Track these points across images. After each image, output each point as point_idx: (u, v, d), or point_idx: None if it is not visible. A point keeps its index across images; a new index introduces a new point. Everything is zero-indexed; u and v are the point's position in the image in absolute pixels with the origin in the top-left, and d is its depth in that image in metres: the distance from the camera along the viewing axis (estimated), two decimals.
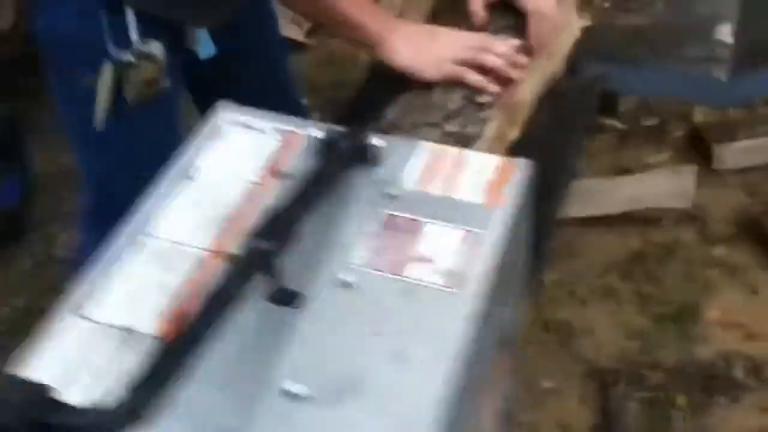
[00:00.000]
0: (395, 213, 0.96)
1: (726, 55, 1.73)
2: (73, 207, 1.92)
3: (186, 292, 0.88)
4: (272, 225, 0.86)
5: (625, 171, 2.58)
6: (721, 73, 1.70)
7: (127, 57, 1.32)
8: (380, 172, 1.01)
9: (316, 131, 1.04)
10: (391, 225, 0.95)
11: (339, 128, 1.03)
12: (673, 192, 2.41)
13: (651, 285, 2.31)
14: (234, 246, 0.89)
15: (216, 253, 0.92)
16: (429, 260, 0.91)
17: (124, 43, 1.32)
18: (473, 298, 0.87)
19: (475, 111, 1.33)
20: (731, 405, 2.07)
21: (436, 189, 0.99)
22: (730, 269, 2.36)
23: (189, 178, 1.01)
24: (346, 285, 0.89)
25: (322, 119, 2.61)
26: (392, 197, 0.98)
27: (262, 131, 1.06)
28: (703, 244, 2.42)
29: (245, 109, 1.09)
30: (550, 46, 1.47)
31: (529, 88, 1.46)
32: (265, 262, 0.84)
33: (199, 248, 0.93)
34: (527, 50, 1.41)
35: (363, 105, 1.54)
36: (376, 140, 1.02)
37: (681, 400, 2.07)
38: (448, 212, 0.96)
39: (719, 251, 2.41)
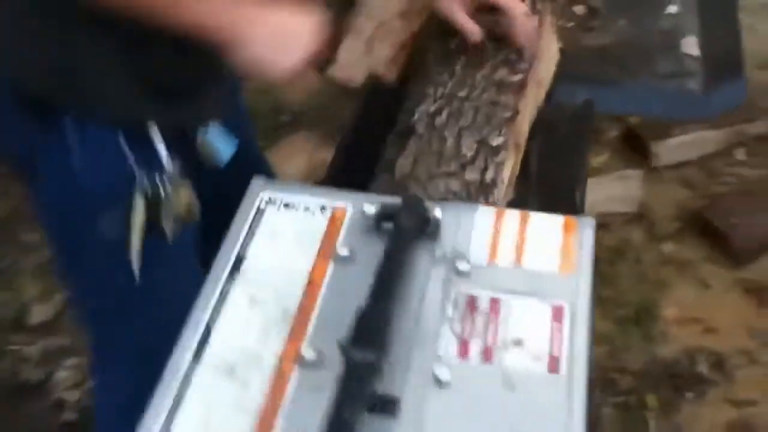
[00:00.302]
0: (473, 293, 0.93)
1: (696, 68, 1.75)
2: None
3: (268, 408, 0.82)
4: (367, 331, 0.82)
5: None
6: (694, 87, 1.72)
7: (161, 184, 1.11)
8: (445, 245, 0.97)
9: (362, 204, 1.00)
10: (471, 307, 0.92)
11: (389, 200, 0.99)
12: (621, 197, 2.45)
13: (607, 288, 2.34)
14: (307, 349, 0.84)
15: (289, 359, 0.87)
16: (521, 343, 0.88)
17: (152, 170, 1.13)
18: (577, 381, 0.85)
19: (491, 155, 1.30)
20: (699, 401, 2.12)
21: (506, 260, 0.96)
22: (680, 265, 2.41)
23: (240, 271, 0.95)
24: (441, 383, 0.85)
25: (266, 148, 2.60)
26: (465, 274, 0.94)
27: (306, 209, 1.01)
28: (652, 242, 2.47)
29: (281, 184, 1.04)
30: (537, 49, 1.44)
31: (527, 118, 1.44)
32: (367, 373, 0.79)
33: (270, 355, 0.87)
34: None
35: (358, 147, 1.49)
36: (435, 210, 0.98)
37: (651, 400, 2.12)
38: (526, 285, 0.93)
39: (668, 248, 2.46)
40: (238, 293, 0.92)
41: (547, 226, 1.00)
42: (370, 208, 0.98)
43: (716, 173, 2.66)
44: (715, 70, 1.70)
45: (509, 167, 1.32)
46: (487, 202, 1.23)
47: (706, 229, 2.48)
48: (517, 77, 1.44)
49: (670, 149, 2.65)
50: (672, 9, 1.87)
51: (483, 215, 1.01)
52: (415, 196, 0.99)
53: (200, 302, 0.91)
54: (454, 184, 1.24)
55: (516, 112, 1.37)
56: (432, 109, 1.38)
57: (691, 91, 1.66)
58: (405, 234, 0.95)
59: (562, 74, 1.66)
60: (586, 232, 0.99)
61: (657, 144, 2.63)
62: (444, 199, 1.22)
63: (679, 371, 2.15)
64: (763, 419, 2.04)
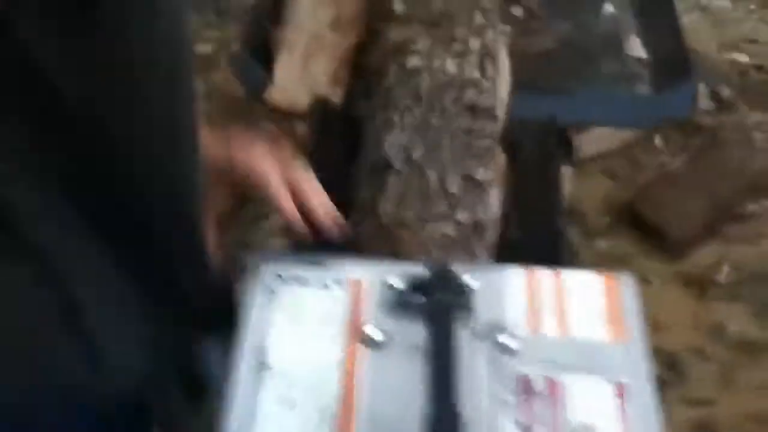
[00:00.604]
0: (525, 372, 0.82)
1: (644, 72, 1.69)
2: None
3: None
4: None
5: None
6: (644, 90, 1.66)
7: None
8: (481, 317, 0.86)
9: (383, 275, 0.88)
10: (527, 389, 0.81)
11: (411, 268, 0.87)
12: None
13: None
14: None
15: None
16: (592, 429, 0.78)
17: None
18: None
19: (479, 191, 1.21)
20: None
21: (551, 329, 0.87)
22: (617, 262, 2.38)
23: (265, 367, 0.82)
24: None
25: None
26: (511, 351, 0.84)
27: (323, 286, 0.88)
28: (586, 239, 2.42)
29: (287, 258, 0.91)
30: None
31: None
32: None
33: None
34: None
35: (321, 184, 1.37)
36: (467, 278, 0.87)
37: None
38: (580, 359, 0.84)
39: (602, 244, 2.42)
40: (268, 397, 0.79)
41: (584, 285, 0.91)
42: (396, 281, 0.86)
43: (638, 162, 2.64)
44: (663, 72, 1.65)
45: (497, 198, 1.23)
46: (483, 243, 1.14)
47: (638, 222, 2.45)
48: (487, 98, 1.35)
49: (591, 140, 2.61)
50: (609, 8, 1.80)
51: (513, 277, 0.91)
52: (445, 265, 0.87)
53: (229, 413, 0.78)
54: (448, 228, 1.15)
55: (494, 140, 1.28)
56: (405, 141, 1.27)
57: (645, 98, 1.60)
58: (442, 310, 0.84)
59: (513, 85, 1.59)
60: (627, 290, 0.90)
61: (578, 136, 2.59)
62: (440, 244, 1.12)
63: None
64: (722, 417, 2.02)
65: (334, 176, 1.30)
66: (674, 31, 1.72)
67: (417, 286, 0.86)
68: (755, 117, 2.84)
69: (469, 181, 1.21)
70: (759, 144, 2.70)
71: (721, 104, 2.85)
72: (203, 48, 2.99)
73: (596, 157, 2.61)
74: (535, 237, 1.29)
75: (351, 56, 1.66)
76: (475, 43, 1.43)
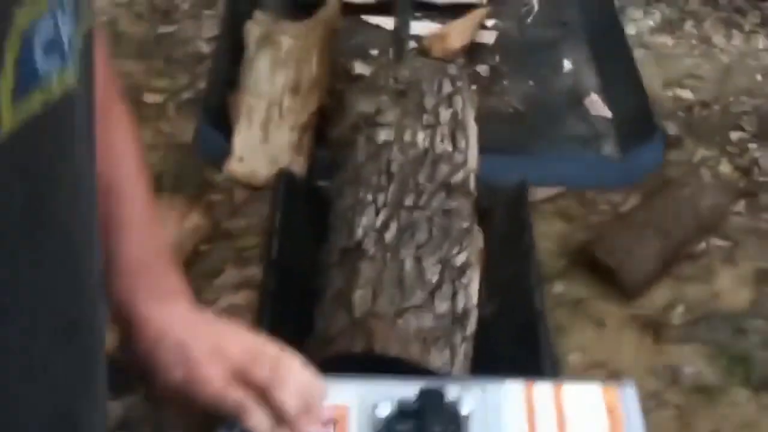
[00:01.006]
0: None
1: (609, 130, 1.71)
2: None
3: None
4: None
5: None
6: (610, 150, 1.68)
7: None
8: None
9: (366, 399, 0.87)
10: None
11: (397, 387, 0.86)
12: None
13: None
14: None
15: None
16: None
17: None
18: None
19: (457, 277, 1.20)
20: None
21: None
22: (573, 306, 2.40)
23: None
24: None
25: None
26: None
27: None
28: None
29: None
30: None
31: None
32: None
33: None
34: None
35: (287, 271, 1.36)
36: (460, 398, 0.86)
37: None
38: None
39: (558, 288, 2.44)
40: None
41: (585, 397, 0.90)
42: (384, 407, 0.85)
43: (592, 202, 2.66)
44: (629, 132, 1.67)
45: (476, 283, 1.23)
46: (463, 335, 1.14)
47: (593, 265, 2.48)
48: (461, 173, 1.35)
49: None
50: (570, 65, 1.82)
51: (510, 391, 0.90)
52: (438, 386, 0.86)
53: None
54: (427, 320, 1.13)
55: (472, 220, 1.28)
56: (378, 223, 1.26)
57: (614, 159, 1.61)
58: None
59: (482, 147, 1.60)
60: (629, 400, 0.90)
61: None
62: (418, 337, 1.11)
63: None
64: None
65: (299, 259, 1.29)
66: (637, 88, 1.74)
67: (406, 412, 0.84)
68: (701, 153, 2.90)
69: (447, 266, 1.20)
70: (707, 181, 2.76)
71: (668, 142, 2.90)
72: (153, 98, 2.95)
73: (550, 198, 2.63)
74: (513, 316, 1.29)
75: (314, 124, 1.65)
76: (445, 114, 1.43)
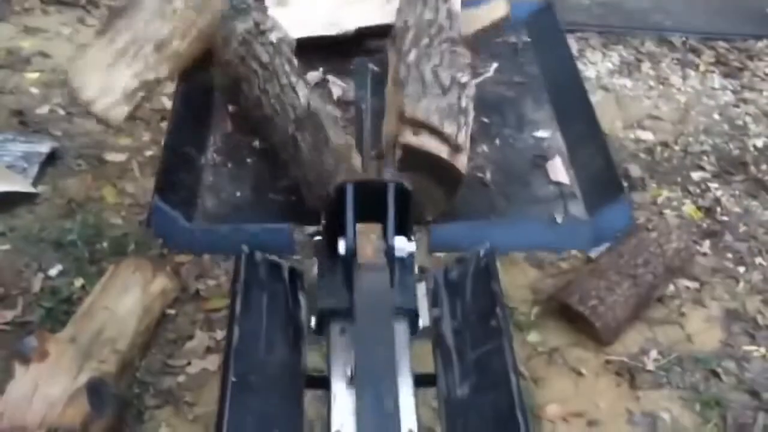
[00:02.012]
0: None
1: (575, 191, 1.71)
2: None
3: None
4: None
5: None
6: (578, 211, 1.68)
7: None
8: None
9: None
10: None
11: None
12: None
13: None
14: None
15: None
16: None
17: None
18: None
19: (461, 89, 1.49)
20: None
21: None
22: (549, 355, 2.40)
23: None
24: None
25: (86, 285, 2.35)
26: None
27: None
28: (517, 333, 2.43)
29: None
30: None
31: None
32: None
33: None
34: None
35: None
36: None
37: None
38: None
39: (533, 338, 2.43)
40: None
41: None
42: None
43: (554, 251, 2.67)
44: (595, 191, 1.67)
45: (472, 116, 1.48)
46: (465, 120, 1.44)
47: (566, 313, 2.48)
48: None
49: None
50: (534, 126, 1.83)
51: None
52: None
53: None
54: (442, 103, 1.43)
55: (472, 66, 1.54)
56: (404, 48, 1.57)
57: (584, 221, 1.61)
58: None
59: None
60: None
61: None
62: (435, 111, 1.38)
63: None
64: None
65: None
66: (601, 148, 1.74)
67: None
68: (665, 194, 2.93)
69: (455, 81, 1.50)
70: (672, 223, 2.78)
71: (631, 184, 2.93)
72: (115, 156, 2.92)
73: None
74: (489, 399, 1.27)
75: (153, 87, 1.68)
76: None
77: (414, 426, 1.21)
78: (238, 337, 1.27)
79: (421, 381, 1.31)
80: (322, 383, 1.30)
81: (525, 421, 1.19)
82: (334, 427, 1.20)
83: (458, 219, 1.62)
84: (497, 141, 1.78)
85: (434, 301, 1.45)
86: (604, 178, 1.71)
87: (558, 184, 1.71)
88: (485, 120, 1.83)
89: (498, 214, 1.65)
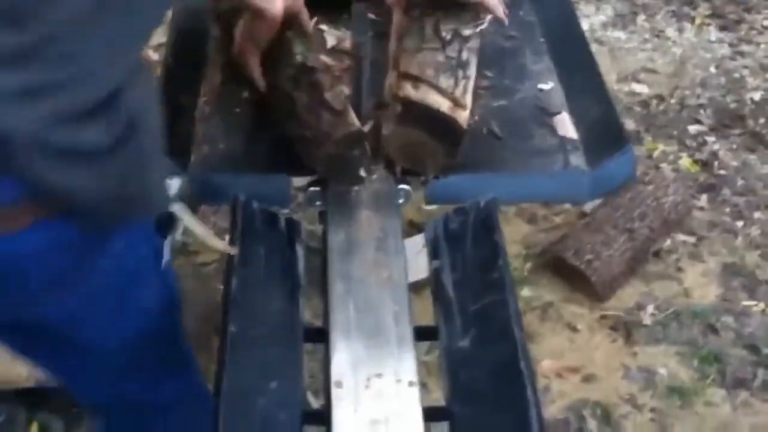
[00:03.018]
0: None
1: (578, 144, 1.67)
2: None
3: None
4: None
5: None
6: (579, 163, 1.64)
7: None
8: None
9: None
10: None
11: None
12: None
13: None
14: None
15: None
16: None
17: None
18: None
19: (463, 42, 1.39)
20: None
21: None
22: (543, 310, 2.37)
23: None
24: None
25: None
26: None
27: None
28: None
29: None
30: None
31: None
32: None
33: None
34: None
35: None
36: None
37: None
38: None
39: (527, 293, 2.41)
40: None
41: None
42: None
43: (553, 204, 2.64)
44: (597, 143, 1.62)
45: (474, 70, 1.41)
46: (464, 74, 1.37)
47: (560, 267, 2.45)
48: None
49: None
50: (531, 77, 1.78)
51: None
52: None
53: None
54: (439, 57, 1.36)
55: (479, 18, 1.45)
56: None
57: (585, 173, 1.57)
58: None
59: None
60: None
61: None
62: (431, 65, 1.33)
63: None
64: None
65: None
66: (603, 99, 1.70)
67: None
68: (661, 148, 2.89)
69: (457, 34, 1.40)
70: (668, 176, 2.74)
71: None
72: None
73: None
74: (492, 351, 1.24)
75: None
76: None
77: (415, 379, 1.18)
78: (236, 288, 1.23)
79: (422, 334, 1.29)
80: (320, 335, 1.27)
81: (529, 372, 1.16)
82: (333, 379, 1.18)
83: (455, 171, 1.57)
84: (496, 93, 1.73)
85: (434, 253, 1.41)
86: (606, 129, 1.66)
87: (559, 136, 1.66)
88: (485, 72, 1.78)
89: (497, 166, 1.61)
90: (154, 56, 3.06)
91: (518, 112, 1.71)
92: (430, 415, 1.12)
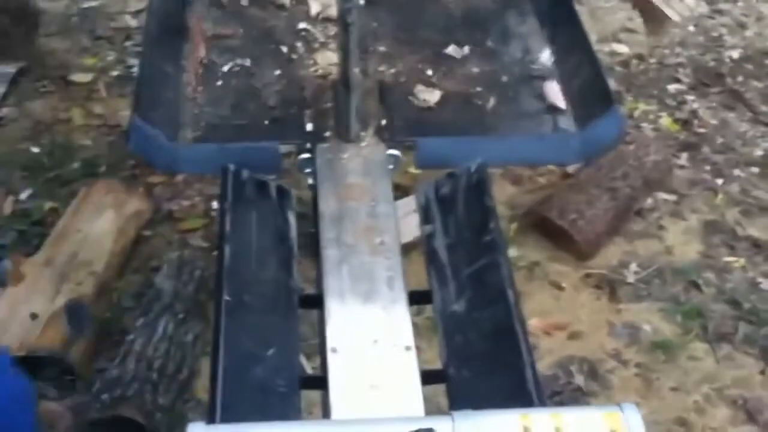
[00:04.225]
0: None
1: (566, 106, 1.68)
2: None
3: None
4: None
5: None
6: (568, 125, 1.65)
7: None
8: None
9: None
10: None
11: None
12: None
13: None
14: None
15: None
16: None
17: None
18: None
19: None
20: None
21: None
22: (528, 270, 2.39)
23: None
24: None
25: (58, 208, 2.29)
26: None
27: None
28: None
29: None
30: None
31: None
32: None
33: None
34: None
35: None
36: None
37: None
38: None
39: (513, 253, 2.42)
40: None
41: (586, 426, 0.87)
42: None
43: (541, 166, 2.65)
44: (586, 106, 1.63)
45: None
46: None
47: (544, 227, 2.47)
48: None
49: None
50: (524, 40, 1.78)
51: (506, 421, 0.86)
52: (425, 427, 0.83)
53: None
54: None
55: None
56: None
57: (573, 135, 1.58)
58: None
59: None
60: (634, 425, 0.87)
61: None
62: None
63: (559, 387, 2.13)
64: (647, 424, 2.06)
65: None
66: (592, 62, 1.70)
67: None
68: (642, 108, 2.91)
69: None
70: (649, 136, 2.77)
71: None
72: (81, 77, 2.83)
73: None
74: (486, 313, 1.26)
75: None
76: None
77: (411, 343, 1.20)
78: (229, 257, 1.24)
79: (416, 298, 1.30)
80: (315, 302, 1.28)
81: (524, 333, 1.18)
82: (329, 345, 1.19)
83: (445, 134, 1.58)
84: (483, 56, 1.74)
85: (426, 218, 1.42)
86: (594, 91, 1.67)
87: (546, 98, 1.67)
88: (472, 35, 1.78)
89: (485, 129, 1.62)
90: (132, 22, 3.04)
91: (505, 75, 1.71)
92: (427, 378, 1.14)
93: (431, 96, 1.62)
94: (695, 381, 2.13)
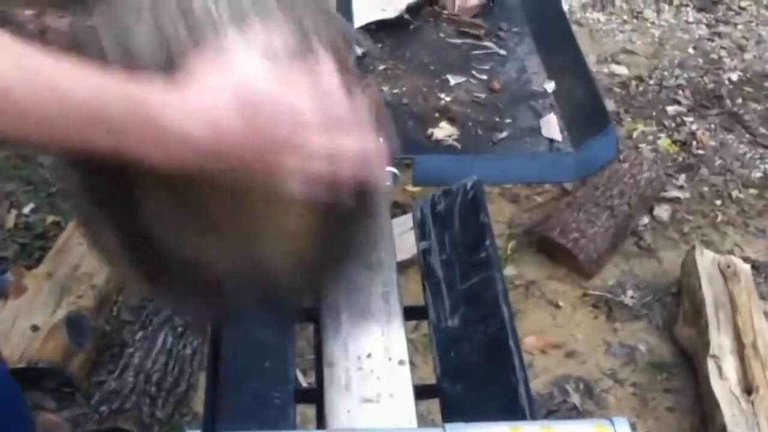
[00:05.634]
0: None
1: (561, 125, 1.70)
2: None
3: None
4: None
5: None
6: (563, 144, 1.67)
7: None
8: None
9: None
10: None
11: None
12: None
13: None
14: None
15: None
16: None
17: None
18: None
19: None
20: None
21: None
22: (526, 288, 2.41)
23: None
24: None
25: None
26: None
27: None
28: None
29: None
30: None
31: None
32: None
33: None
34: None
35: None
36: None
37: None
38: None
39: (510, 271, 2.44)
40: None
41: None
42: None
43: (534, 184, 2.67)
44: (581, 124, 1.66)
45: None
46: None
47: (544, 246, 2.49)
48: None
49: None
50: (521, 58, 1.81)
51: None
52: None
53: None
54: None
55: None
56: None
57: (569, 154, 1.61)
58: None
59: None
60: None
61: None
62: None
63: (555, 406, 2.14)
64: None
65: None
66: (587, 80, 1.73)
67: None
68: (640, 128, 2.93)
69: None
70: (647, 156, 2.79)
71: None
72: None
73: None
74: (480, 330, 1.27)
75: None
76: None
77: (405, 357, 1.21)
78: None
79: (411, 314, 1.32)
80: (313, 315, 1.29)
81: (518, 351, 1.20)
82: (325, 359, 1.20)
83: (441, 152, 1.61)
84: (480, 75, 1.77)
85: (422, 234, 1.44)
86: (589, 110, 1.70)
87: (542, 114, 1.70)
88: (470, 53, 1.81)
89: (482, 148, 1.64)
90: None
91: (502, 94, 1.74)
92: (421, 392, 1.15)
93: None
94: (690, 401, 2.14)
